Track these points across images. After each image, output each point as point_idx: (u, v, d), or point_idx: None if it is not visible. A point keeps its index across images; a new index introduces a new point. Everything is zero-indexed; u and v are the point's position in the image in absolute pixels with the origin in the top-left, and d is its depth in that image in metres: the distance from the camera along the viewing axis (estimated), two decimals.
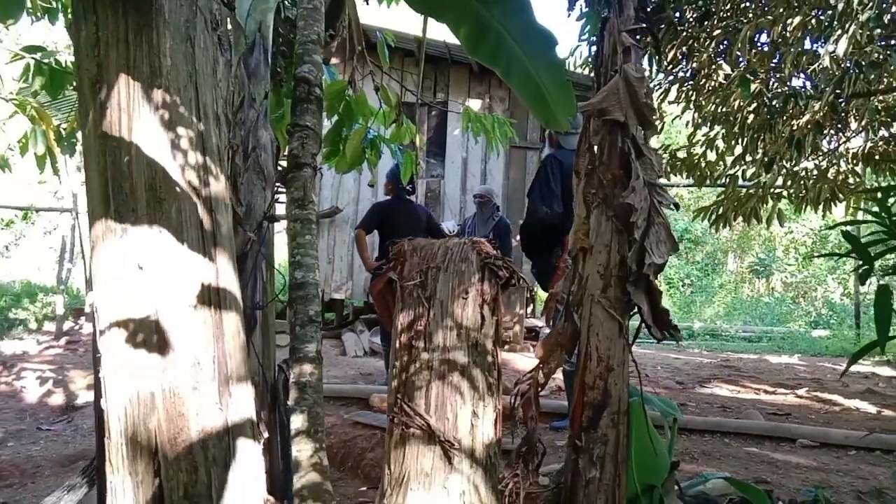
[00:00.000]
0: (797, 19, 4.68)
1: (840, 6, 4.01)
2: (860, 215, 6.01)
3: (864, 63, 4.57)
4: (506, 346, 8.16)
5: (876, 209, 1.94)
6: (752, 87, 5.13)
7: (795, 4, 4.57)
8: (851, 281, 14.14)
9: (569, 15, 4.85)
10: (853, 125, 5.96)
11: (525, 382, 2.30)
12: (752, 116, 5.60)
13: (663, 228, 2.11)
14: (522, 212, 8.85)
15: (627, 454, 2.17)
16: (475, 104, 8.57)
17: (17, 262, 18.19)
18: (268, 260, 2.42)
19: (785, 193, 6.27)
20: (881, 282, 1.81)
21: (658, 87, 5.91)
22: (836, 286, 16.55)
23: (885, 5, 4.28)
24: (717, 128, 6.16)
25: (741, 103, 5.59)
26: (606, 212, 2.15)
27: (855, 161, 6.15)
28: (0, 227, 17.91)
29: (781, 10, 4.67)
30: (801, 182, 6.05)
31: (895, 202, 1.92)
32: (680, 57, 5.46)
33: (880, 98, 5.33)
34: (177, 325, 1.34)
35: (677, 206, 2.25)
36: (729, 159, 6.36)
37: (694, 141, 6.55)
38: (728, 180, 6.32)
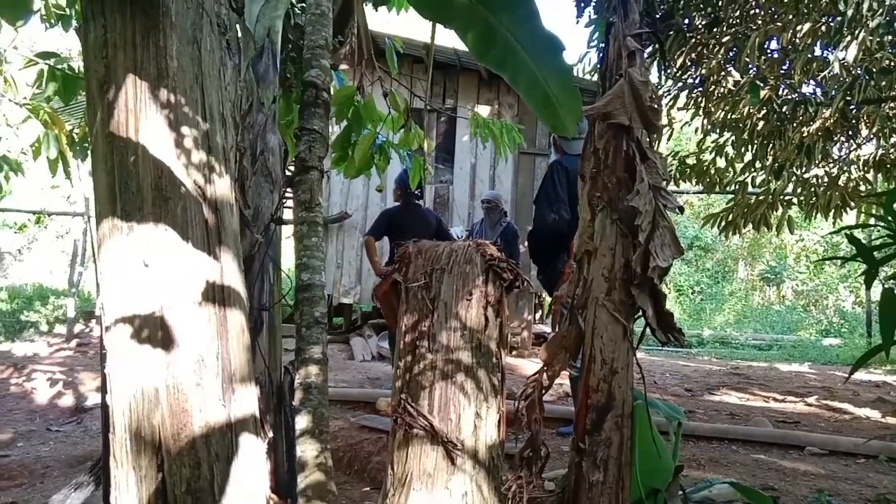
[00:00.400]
0: (807, 26, 4.68)
1: (850, 13, 4.01)
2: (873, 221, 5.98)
3: (874, 69, 4.55)
4: (513, 352, 8.16)
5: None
6: (762, 93, 5.13)
7: (805, 11, 4.57)
8: (863, 289, 14.02)
9: (577, 21, 4.87)
10: (864, 132, 5.94)
11: (529, 385, 2.30)
12: (761, 123, 5.59)
13: (668, 232, 2.11)
14: (531, 218, 8.86)
15: (631, 457, 2.17)
16: (484, 110, 8.59)
17: (29, 265, 18.37)
18: (275, 262, 2.44)
19: (795, 200, 6.25)
20: (887, 286, 1.80)
21: (667, 93, 5.91)
22: (847, 294, 16.43)
23: (895, 12, 4.27)
24: (726, 134, 6.16)
25: (751, 110, 5.58)
26: (611, 215, 2.16)
27: (866, 168, 6.12)
28: (13, 230, 18.09)
29: (791, 16, 4.68)
30: (812, 189, 6.03)
31: None
32: (689, 63, 5.47)
33: (891, 105, 5.31)
34: (181, 322, 1.36)
35: (682, 210, 2.25)
36: (738, 166, 6.35)
37: (703, 147, 6.54)
38: (738, 187, 6.30)
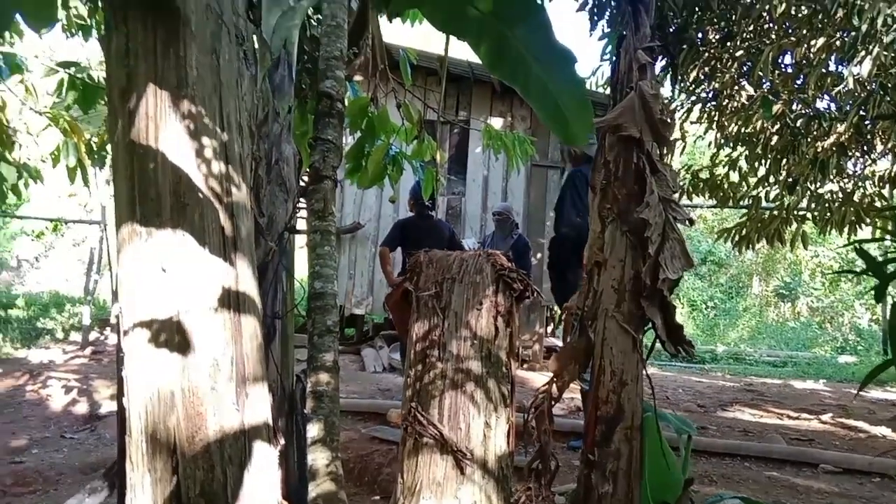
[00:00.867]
0: (821, 41, 4.68)
1: (864, 28, 4.01)
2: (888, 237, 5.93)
3: (889, 85, 4.54)
4: (524, 365, 8.14)
5: None
6: (775, 108, 5.12)
7: (819, 26, 4.57)
8: (879, 306, 13.87)
9: (590, 34, 4.90)
10: (879, 147, 5.91)
11: (539, 396, 2.31)
12: (775, 137, 5.58)
13: (678, 244, 2.12)
14: (543, 230, 8.88)
15: (641, 470, 2.17)
16: (497, 122, 8.63)
17: (46, 272, 18.56)
18: (288, 270, 2.46)
19: (809, 216, 6.21)
20: None
21: (680, 106, 5.91)
22: (863, 311, 16.24)
23: None
24: (739, 148, 6.14)
25: (764, 124, 5.57)
26: (621, 227, 2.17)
27: (881, 184, 6.08)
28: (31, 238, 18.32)
29: (805, 31, 4.68)
30: (826, 204, 6.00)
31: None
32: (702, 77, 5.47)
33: None
34: (197, 327, 1.38)
35: (692, 222, 2.26)
36: (752, 180, 6.32)
37: (717, 161, 6.53)
38: (751, 201, 6.28)
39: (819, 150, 5.31)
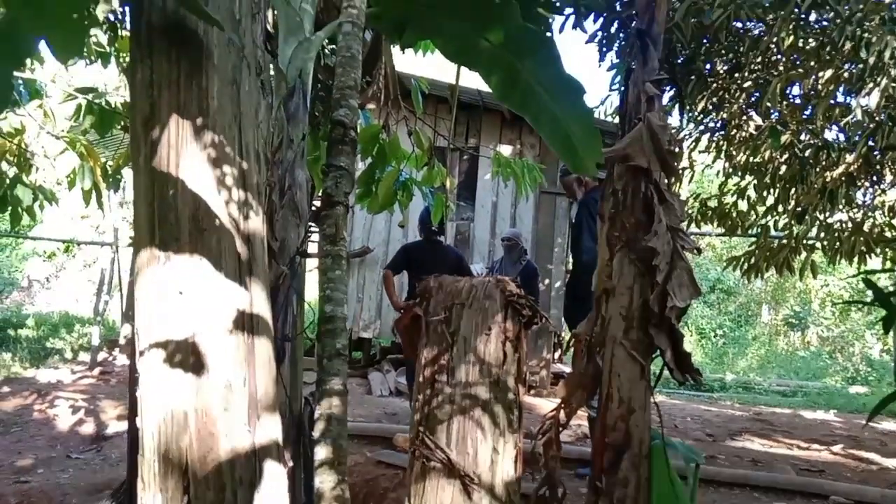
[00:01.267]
0: (829, 72, 4.73)
1: (871, 60, 4.05)
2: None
3: None
4: (531, 391, 8.11)
5: None
6: (783, 138, 5.16)
7: (827, 58, 4.62)
8: (891, 336, 13.75)
9: (599, 66, 4.97)
10: (888, 178, 5.92)
11: (547, 422, 2.32)
12: (783, 167, 5.61)
13: (686, 272, 2.14)
14: (551, 256, 8.91)
15: (648, 498, 2.16)
16: (506, 150, 8.70)
17: (56, 293, 18.70)
18: (299, 294, 2.49)
19: (818, 245, 6.21)
20: None
21: (688, 136, 5.96)
22: (874, 341, 16.10)
23: None
24: (748, 178, 6.17)
25: (773, 154, 5.60)
26: (629, 255, 2.20)
27: (891, 214, 6.08)
28: (42, 259, 18.49)
29: (813, 63, 4.73)
30: (835, 234, 6.00)
31: None
32: (710, 107, 5.52)
33: None
34: (212, 348, 1.41)
35: (699, 251, 2.28)
36: (760, 209, 6.34)
37: (725, 190, 6.56)
38: (760, 230, 6.29)
39: (828, 179, 5.33)
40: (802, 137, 5.45)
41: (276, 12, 2.44)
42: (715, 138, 5.91)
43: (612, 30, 4.56)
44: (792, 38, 4.56)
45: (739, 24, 4.71)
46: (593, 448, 2.29)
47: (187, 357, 1.39)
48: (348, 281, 8.69)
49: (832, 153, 5.10)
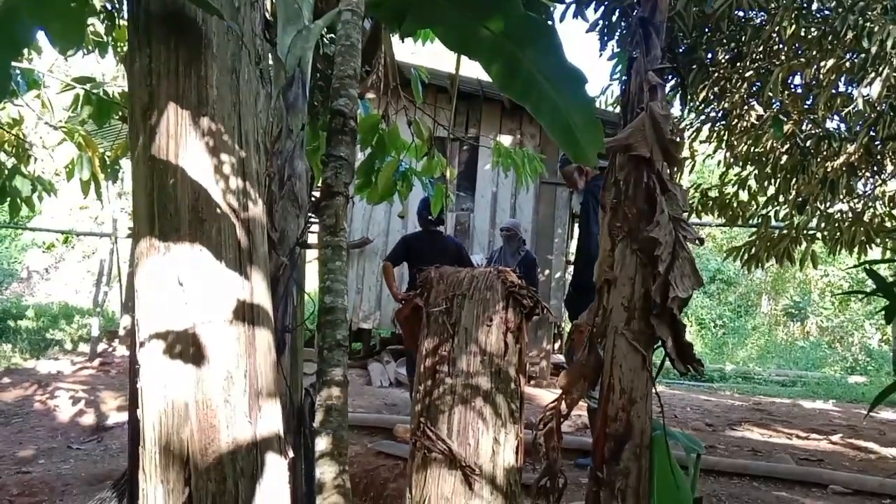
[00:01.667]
0: (830, 62, 4.71)
1: (873, 50, 4.03)
2: None
3: None
4: (532, 382, 8.12)
5: None
6: (785, 128, 5.14)
7: (829, 47, 4.59)
8: (890, 326, 13.77)
9: (601, 55, 4.94)
10: (889, 168, 5.91)
11: (548, 413, 2.31)
12: (784, 157, 5.60)
13: (688, 263, 2.13)
14: (551, 247, 8.90)
15: (649, 489, 2.16)
16: (506, 140, 8.67)
17: (56, 284, 18.70)
18: (299, 285, 2.49)
19: (819, 235, 6.20)
20: None
21: (690, 126, 5.94)
22: (873, 331, 16.14)
23: None
24: (749, 168, 6.16)
25: (774, 144, 5.59)
26: (631, 245, 2.19)
27: (891, 204, 6.07)
28: (42, 250, 18.48)
29: (815, 52, 4.71)
30: (836, 224, 5.99)
31: None
32: (712, 97, 5.51)
33: None
34: (212, 339, 1.40)
35: (702, 241, 2.27)
36: (761, 199, 6.34)
37: (726, 180, 6.55)
38: (760, 220, 6.28)
39: (829, 170, 5.32)
40: (804, 127, 5.44)
41: (274, 0, 2.42)
42: (716, 128, 5.89)
43: (614, 18, 4.54)
44: (794, 27, 4.53)
45: (741, 13, 4.69)
46: (595, 439, 2.29)
47: (188, 348, 1.38)
48: (348, 272, 8.69)
49: (833, 143, 5.08)
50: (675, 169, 2.31)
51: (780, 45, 5.05)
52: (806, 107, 5.35)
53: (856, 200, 6.07)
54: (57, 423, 6.35)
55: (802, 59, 4.81)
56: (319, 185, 2.50)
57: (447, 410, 2.06)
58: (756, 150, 5.76)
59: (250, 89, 1.58)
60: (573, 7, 4.34)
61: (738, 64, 5.10)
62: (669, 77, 4.94)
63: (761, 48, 5.03)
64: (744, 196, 6.44)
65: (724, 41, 4.97)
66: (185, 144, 1.41)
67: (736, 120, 5.68)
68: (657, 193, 2.14)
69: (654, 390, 2.22)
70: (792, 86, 5.36)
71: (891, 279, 1.91)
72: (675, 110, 5.73)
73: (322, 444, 1.47)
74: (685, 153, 5.96)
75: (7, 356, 9.21)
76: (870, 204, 6.07)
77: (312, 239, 2.64)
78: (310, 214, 2.67)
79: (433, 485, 2.02)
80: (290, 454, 2.05)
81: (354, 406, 6.30)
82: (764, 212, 6.29)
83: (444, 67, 7.23)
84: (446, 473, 2.01)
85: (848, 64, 4.66)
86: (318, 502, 1.42)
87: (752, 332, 17.67)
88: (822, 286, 18.22)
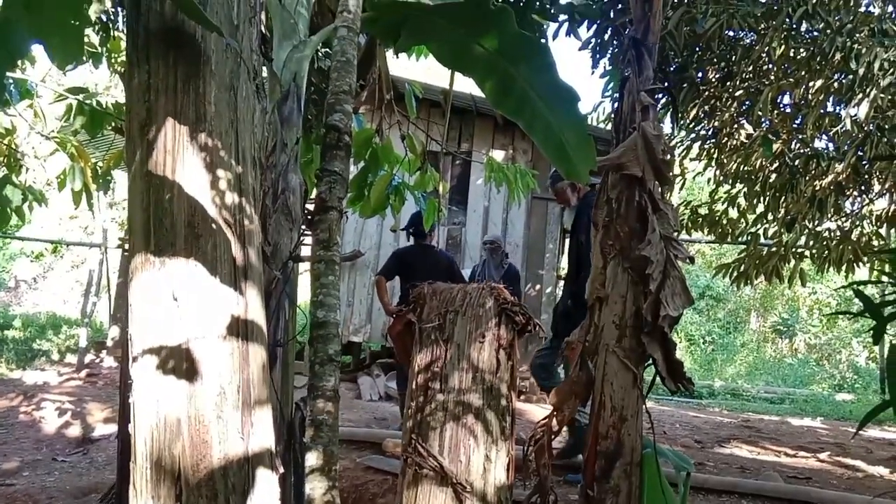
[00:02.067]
0: (819, 82, 4.78)
1: (861, 71, 4.10)
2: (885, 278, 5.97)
3: (886, 127, 4.62)
4: (521, 396, 8.11)
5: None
6: (774, 147, 5.21)
7: (817, 68, 4.67)
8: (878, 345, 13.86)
9: (592, 72, 4.99)
10: (876, 187, 5.98)
11: (539, 430, 2.32)
12: (773, 176, 5.66)
13: (679, 282, 2.15)
14: (542, 262, 8.92)
15: None
16: (498, 155, 8.72)
17: (44, 293, 18.54)
18: (291, 299, 2.48)
19: (807, 253, 6.26)
20: (895, 343, 1.82)
21: (680, 143, 6.00)
22: (861, 349, 16.23)
23: None
24: (738, 186, 6.22)
25: (763, 162, 5.65)
26: (623, 263, 2.20)
27: (879, 223, 6.14)
28: (29, 259, 18.35)
29: (803, 73, 4.78)
30: (824, 242, 6.05)
31: None
32: (702, 115, 5.57)
33: None
34: (206, 355, 1.40)
35: (692, 260, 2.29)
36: (751, 217, 6.39)
37: (716, 198, 6.60)
38: (749, 238, 6.33)
39: (817, 188, 5.38)
40: (792, 146, 5.50)
41: (270, 15, 2.44)
42: (706, 146, 5.96)
43: (606, 37, 4.59)
44: (783, 47, 4.60)
45: (731, 33, 4.76)
46: (585, 456, 2.29)
47: (181, 363, 1.38)
48: (340, 286, 8.67)
49: (822, 162, 5.15)
50: (667, 188, 2.33)
51: (770, 66, 5.12)
52: (795, 126, 5.42)
53: (844, 219, 6.14)
54: (42, 435, 6.27)
55: (791, 80, 4.87)
56: (313, 198, 2.51)
57: (439, 427, 2.06)
58: (745, 168, 5.82)
59: (248, 106, 1.59)
60: (566, 25, 4.38)
61: (729, 83, 5.16)
62: (660, 95, 5.00)
63: (751, 68, 5.10)
64: (733, 213, 6.50)
65: (715, 60, 5.04)
66: (183, 160, 1.42)
67: (726, 138, 5.74)
68: (649, 212, 2.16)
69: (644, 408, 2.22)
70: (781, 105, 5.43)
71: (878, 299, 1.93)
72: (666, 128, 5.78)
73: (312, 459, 1.46)
74: (675, 170, 6.01)
75: None
76: (857, 222, 6.14)
77: (305, 252, 2.65)
78: (303, 228, 2.68)
79: (424, 501, 2.01)
80: (281, 469, 2.04)
81: (344, 420, 6.26)
82: (753, 229, 6.34)
83: (438, 82, 7.27)
84: (437, 490, 2.01)
85: (836, 85, 4.74)
86: None
87: (741, 348, 17.73)
88: (810, 303, 18.33)
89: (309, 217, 2.59)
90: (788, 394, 12.63)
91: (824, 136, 5.53)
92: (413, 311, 2.28)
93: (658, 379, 2.23)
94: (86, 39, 4.45)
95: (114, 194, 9.55)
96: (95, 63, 4.86)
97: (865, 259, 6.05)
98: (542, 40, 4.14)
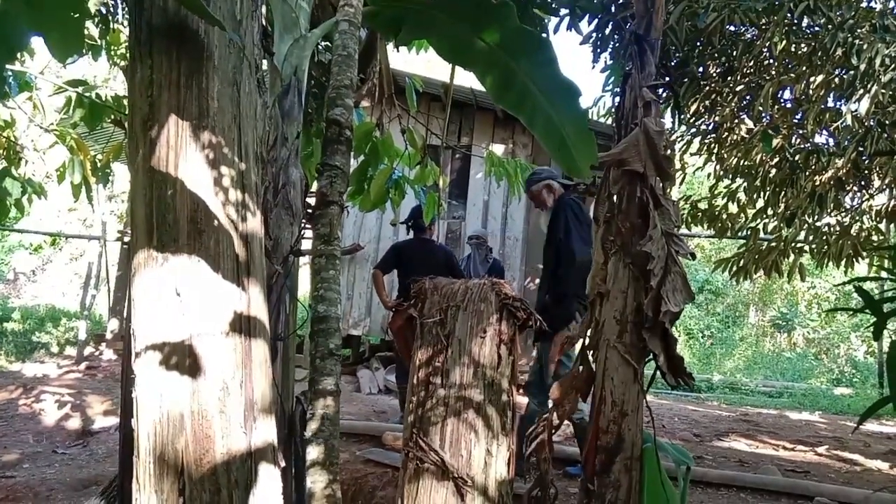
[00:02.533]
0: (820, 77, 4.76)
1: (862, 67, 4.09)
2: (885, 274, 5.97)
3: (886, 122, 4.62)
4: (520, 391, 8.12)
5: None
6: (774, 142, 5.20)
7: (818, 63, 4.65)
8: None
9: (593, 67, 4.98)
10: (876, 182, 5.97)
11: (539, 424, 2.32)
12: (773, 171, 5.65)
13: (680, 277, 2.15)
14: (541, 256, 8.91)
15: (640, 500, 2.18)
16: (498, 149, 8.71)
17: (43, 286, 18.54)
18: (292, 293, 2.49)
19: (807, 248, 6.26)
20: (895, 338, 1.83)
21: (680, 138, 5.99)
22: (859, 344, 16.27)
23: None
24: (738, 180, 6.21)
25: (763, 157, 5.65)
26: (624, 259, 2.20)
27: (878, 218, 6.14)
28: (28, 251, 18.33)
29: (804, 68, 4.76)
30: (824, 238, 6.05)
31: None
32: (703, 110, 5.55)
33: None
34: (209, 350, 1.40)
35: (693, 256, 2.30)
36: (750, 212, 6.39)
37: (716, 193, 6.60)
38: (749, 233, 6.33)
39: (817, 183, 5.37)
40: (793, 141, 5.50)
41: (272, 9, 2.43)
42: (707, 141, 5.94)
43: (607, 31, 4.58)
44: (784, 42, 4.59)
45: (733, 28, 4.74)
46: (585, 451, 2.30)
47: (184, 359, 1.38)
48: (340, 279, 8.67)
49: (822, 158, 5.14)
50: (668, 184, 2.33)
51: (771, 61, 5.10)
52: (795, 121, 5.41)
53: (843, 214, 6.13)
54: (42, 428, 6.28)
55: (792, 75, 4.86)
56: (314, 191, 2.51)
57: (440, 422, 2.07)
58: (746, 163, 5.81)
59: (251, 101, 1.59)
60: (567, 19, 4.37)
61: (729, 78, 5.15)
62: (662, 91, 4.99)
63: (752, 63, 5.08)
64: (733, 208, 6.49)
65: (716, 55, 5.02)
66: (185, 156, 1.42)
67: (726, 133, 5.73)
68: (650, 208, 2.16)
69: (645, 403, 2.23)
70: (782, 100, 5.42)
71: (877, 295, 1.94)
72: (667, 123, 5.77)
73: (314, 453, 1.47)
74: (675, 165, 6.01)
75: None
76: (857, 218, 6.13)
77: (306, 246, 2.65)
78: (304, 222, 2.68)
79: (425, 496, 2.02)
80: (282, 463, 2.05)
81: (343, 413, 6.26)
82: (753, 224, 6.34)
83: (438, 76, 7.26)
84: (438, 485, 2.02)
85: (837, 80, 4.72)
86: None
87: (740, 342, 17.77)
88: (808, 298, 18.37)
89: (310, 211, 2.59)
90: (787, 388, 12.67)
91: (825, 132, 5.52)
92: (414, 306, 2.28)
93: (659, 374, 2.23)
94: (85, 32, 4.43)
95: (113, 187, 9.53)
96: (95, 55, 4.85)
97: (865, 254, 6.05)
98: (543, 35, 4.13)
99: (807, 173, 5.38)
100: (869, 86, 4.21)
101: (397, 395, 6.46)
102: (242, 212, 1.50)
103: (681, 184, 6.66)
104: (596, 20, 4.53)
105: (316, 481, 1.43)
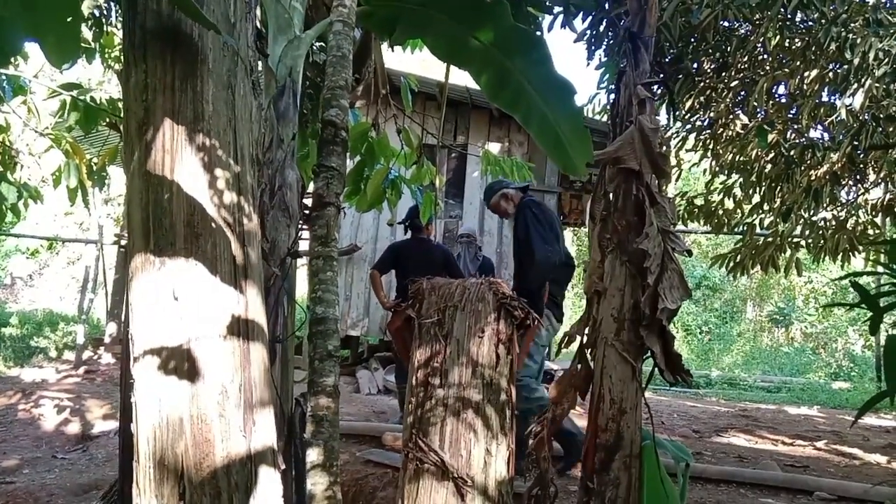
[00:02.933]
0: (814, 72, 4.77)
1: (856, 61, 4.10)
2: (881, 268, 6.00)
3: (881, 116, 4.63)
4: None
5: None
6: (769, 137, 5.21)
7: (812, 58, 4.66)
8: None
9: (588, 64, 4.99)
10: (871, 177, 5.99)
11: (538, 423, 2.33)
12: (769, 166, 5.66)
13: (676, 274, 2.15)
14: None
15: (639, 498, 2.18)
16: (494, 148, 8.72)
17: (40, 290, 18.51)
18: (289, 295, 2.49)
19: (803, 243, 6.28)
20: (892, 332, 1.83)
21: (676, 135, 6.00)
22: (857, 338, 16.31)
23: None
24: (734, 176, 6.23)
25: (758, 153, 5.66)
26: (621, 257, 2.21)
27: (874, 212, 6.15)
28: (25, 256, 18.29)
29: (798, 63, 4.77)
30: (820, 232, 6.07)
31: None
32: (697, 106, 5.57)
33: None
34: (207, 354, 1.40)
35: (690, 253, 2.30)
36: (746, 207, 6.40)
37: (712, 188, 6.61)
38: (746, 228, 6.35)
39: (813, 178, 5.38)
40: (788, 136, 5.51)
41: (265, 10, 2.42)
42: (702, 137, 5.96)
43: (601, 28, 4.58)
44: (778, 38, 4.60)
45: (726, 24, 4.74)
46: (585, 448, 2.30)
47: (182, 363, 1.38)
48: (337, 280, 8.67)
49: (817, 152, 5.15)
50: (664, 181, 2.34)
51: (765, 56, 5.11)
52: (790, 116, 5.42)
53: (839, 209, 6.15)
54: (41, 433, 6.27)
55: (787, 70, 4.87)
56: (310, 192, 2.51)
57: (439, 422, 2.07)
58: (741, 158, 5.83)
59: (245, 104, 1.59)
60: (561, 17, 4.37)
61: (724, 74, 5.16)
62: (657, 87, 5.00)
63: (746, 58, 5.09)
64: (729, 204, 6.50)
65: (710, 51, 5.03)
66: (181, 159, 1.41)
67: (721, 129, 5.74)
68: (646, 206, 2.17)
69: (643, 400, 2.24)
70: (776, 96, 5.43)
71: (873, 289, 1.94)
72: (662, 119, 5.78)
73: (313, 455, 1.47)
74: (671, 161, 6.01)
75: None
76: (853, 212, 6.15)
77: (303, 248, 2.65)
78: (301, 224, 2.67)
79: (425, 496, 2.02)
80: (282, 466, 2.05)
81: (343, 414, 6.27)
82: (749, 219, 6.35)
83: (433, 75, 7.26)
84: (438, 485, 2.02)
85: (831, 75, 4.73)
86: None
87: (738, 338, 17.81)
88: (806, 293, 18.41)
89: (306, 213, 2.59)
90: (785, 383, 12.70)
91: (820, 127, 5.53)
92: (412, 307, 2.28)
93: (657, 371, 2.24)
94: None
95: (109, 190, 9.52)
96: (89, 58, 4.84)
97: (861, 248, 6.07)
98: (538, 33, 4.13)
99: (802, 168, 5.39)
100: (863, 80, 4.22)
101: (396, 396, 6.46)
102: (239, 214, 1.50)
103: (677, 180, 6.68)
104: (590, 18, 4.53)
105: (316, 483, 1.43)
